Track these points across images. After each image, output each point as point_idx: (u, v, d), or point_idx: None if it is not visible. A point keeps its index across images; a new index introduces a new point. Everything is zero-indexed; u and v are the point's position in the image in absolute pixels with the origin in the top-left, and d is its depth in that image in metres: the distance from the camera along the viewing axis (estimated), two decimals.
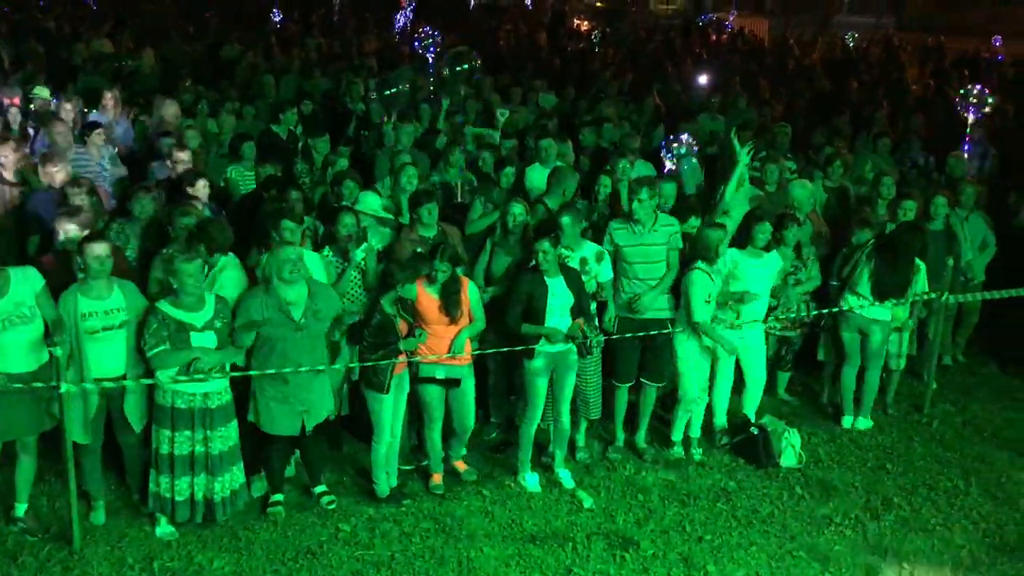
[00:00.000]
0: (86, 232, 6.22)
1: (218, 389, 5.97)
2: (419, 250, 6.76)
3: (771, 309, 7.59)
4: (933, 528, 6.60)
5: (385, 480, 6.64)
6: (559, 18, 27.41)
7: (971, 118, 11.35)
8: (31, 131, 9.59)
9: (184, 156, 8.23)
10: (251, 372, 6.07)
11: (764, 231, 7.20)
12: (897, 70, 18.76)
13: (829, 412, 8.24)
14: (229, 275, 6.38)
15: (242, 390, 6.23)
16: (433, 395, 6.65)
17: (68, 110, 9.83)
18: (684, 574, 6.02)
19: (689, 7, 37.16)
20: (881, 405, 8.18)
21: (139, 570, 5.83)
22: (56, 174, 7.48)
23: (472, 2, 29.31)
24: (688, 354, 7.20)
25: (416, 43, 13.81)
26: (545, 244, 6.48)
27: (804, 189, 8.28)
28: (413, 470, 7.02)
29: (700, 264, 7.01)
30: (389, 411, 6.51)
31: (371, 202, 7.41)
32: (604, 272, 7.05)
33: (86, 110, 10.33)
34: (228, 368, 6.00)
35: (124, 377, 5.95)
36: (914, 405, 8.31)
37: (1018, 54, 20.96)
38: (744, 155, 7.77)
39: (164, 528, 6.14)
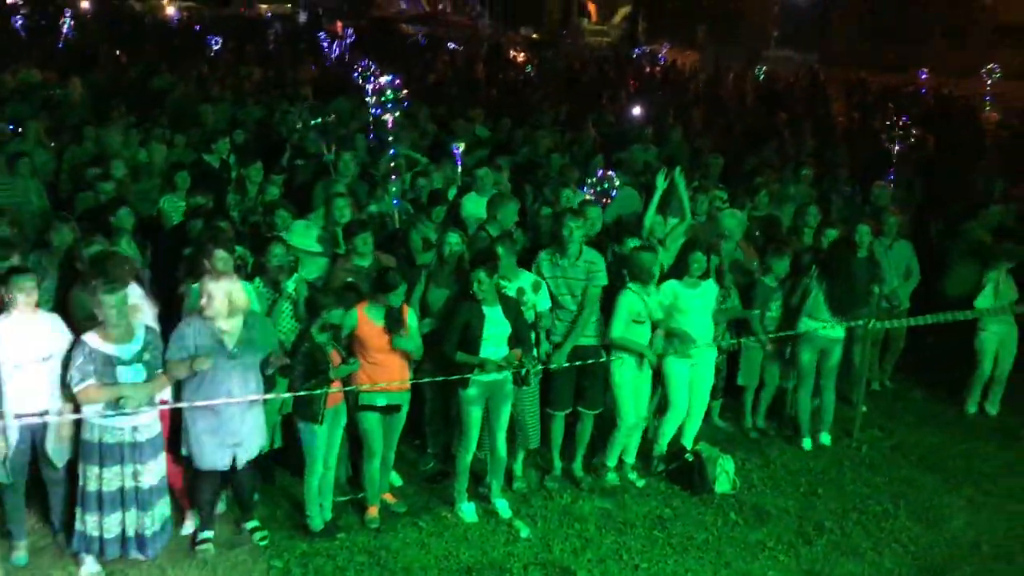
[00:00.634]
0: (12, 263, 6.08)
1: (147, 422, 5.82)
2: (350, 280, 6.71)
3: None
4: (864, 552, 6.71)
5: (319, 513, 6.54)
6: (496, 50, 27.68)
7: (896, 149, 11.72)
8: None
9: (109, 187, 8.08)
10: (181, 404, 5.94)
11: (698, 260, 7.31)
12: (823, 103, 19.31)
13: (754, 437, 8.33)
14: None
15: (176, 422, 6.09)
16: (373, 424, 6.58)
17: None
18: None
19: (623, 40, 37.88)
20: (805, 428, 8.29)
21: None
22: None
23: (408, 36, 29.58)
24: (625, 380, 7.23)
25: (355, 74, 13.79)
26: (481, 274, 6.49)
27: (734, 218, 8.43)
28: (347, 502, 6.92)
29: (632, 285, 7.09)
30: (323, 442, 6.42)
31: (303, 232, 7.34)
32: (542, 302, 7.07)
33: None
34: (157, 401, 5.87)
35: (46, 412, 5.77)
36: (844, 430, 8.46)
37: (939, 88, 21.76)
38: (661, 182, 7.94)
39: (90, 568, 5.95)
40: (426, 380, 6.75)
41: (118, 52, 19.77)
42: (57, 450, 5.90)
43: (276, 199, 8.46)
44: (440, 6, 44.81)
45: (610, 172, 9.39)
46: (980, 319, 8.73)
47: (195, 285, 6.11)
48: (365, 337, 6.48)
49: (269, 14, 35.21)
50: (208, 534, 6.32)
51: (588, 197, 8.80)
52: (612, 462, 7.47)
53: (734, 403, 8.53)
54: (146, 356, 5.77)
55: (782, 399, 8.52)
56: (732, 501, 7.24)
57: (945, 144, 14.79)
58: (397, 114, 10.66)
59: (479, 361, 6.50)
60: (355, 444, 6.84)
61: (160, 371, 5.83)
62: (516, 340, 6.63)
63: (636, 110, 15.66)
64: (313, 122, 11.77)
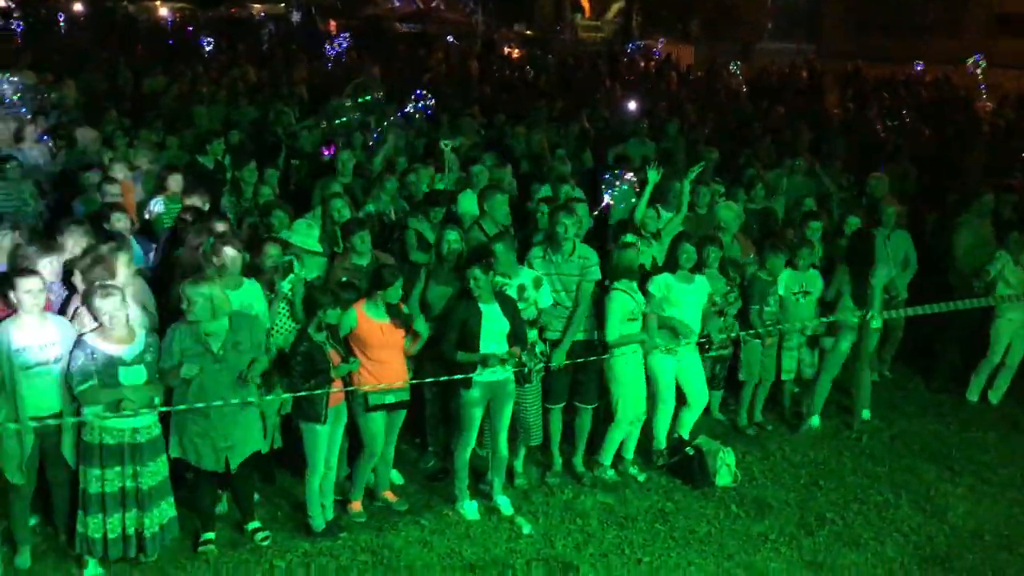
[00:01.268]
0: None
1: (147, 423, 5.81)
2: (345, 279, 6.70)
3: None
4: (866, 542, 6.72)
5: (320, 513, 6.53)
6: (490, 46, 27.66)
7: (891, 139, 11.72)
8: None
9: (114, 189, 8.05)
10: (179, 407, 5.92)
11: (687, 252, 7.30)
12: (819, 95, 19.30)
13: (751, 433, 8.31)
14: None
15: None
16: (380, 425, 6.57)
17: None
18: None
19: (617, 35, 37.86)
20: (817, 408, 8.34)
21: None
22: None
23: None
24: (624, 376, 7.22)
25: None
26: (476, 271, 6.49)
27: (730, 210, 8.43)
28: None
29: (620, 284, 7.07)
30: (324, 442, 6.41)
31: (305, 231, 7.32)
32: (543, 298, 7.04)
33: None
34: (157, 403, 5.85)
35: (60, 414, 5.77)
36: (844, 421, 8.46)
37: (934, 78, 21.74)
38: (653, 175, 7.95)
39: (93, 570, 5.95)
40: (428, 380, 6.73)
41: (111, 54, 19.75)
42: (70, 451, 5.89)
43: (272, 200, 8.43)
44: (434, 3, 44.73)
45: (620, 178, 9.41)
46: (997, 306, 8.69)
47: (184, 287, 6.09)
48: (365, 335, 6.46)
49: (262, 14, 35.16)
50: (210, 535, 6.32)
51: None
52: (608, 460, 7.45)
53: (733, 398, 8.53)
54: (147, 357, 5.77)
55: (779, 392, 8.52)
56: (733, 494, 7.25)
57: (940, 134, 14.78)
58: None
59: (480, 357, 6.47)
60: (353, 443, 6.82)
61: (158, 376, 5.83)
62: (515, 338, 6.62)
63: (631, 105, 15.63)
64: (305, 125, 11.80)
